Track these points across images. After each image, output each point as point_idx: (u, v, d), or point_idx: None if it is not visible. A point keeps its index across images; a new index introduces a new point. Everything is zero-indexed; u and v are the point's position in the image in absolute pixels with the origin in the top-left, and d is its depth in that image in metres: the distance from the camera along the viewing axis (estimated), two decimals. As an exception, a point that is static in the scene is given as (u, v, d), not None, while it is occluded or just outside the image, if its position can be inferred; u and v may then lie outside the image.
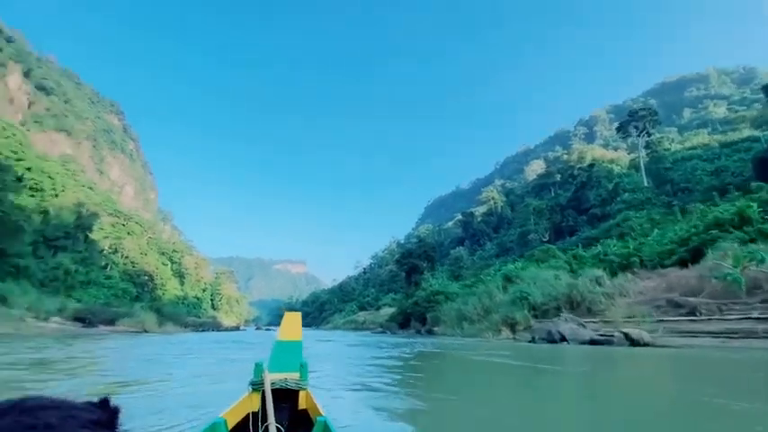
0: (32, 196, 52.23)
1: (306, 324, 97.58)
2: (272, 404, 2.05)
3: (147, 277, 75.87)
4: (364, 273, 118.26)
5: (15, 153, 54.87)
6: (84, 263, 54.92)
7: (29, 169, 52.90)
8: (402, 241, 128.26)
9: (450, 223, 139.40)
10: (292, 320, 3.20)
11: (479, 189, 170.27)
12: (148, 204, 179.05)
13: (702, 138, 77.92)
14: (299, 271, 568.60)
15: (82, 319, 31.57)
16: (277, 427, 1.87)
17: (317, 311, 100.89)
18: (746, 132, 67.07)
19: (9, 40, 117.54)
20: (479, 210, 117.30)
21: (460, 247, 74.85)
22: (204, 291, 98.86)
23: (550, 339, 14.98)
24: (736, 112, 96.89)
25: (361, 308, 75.59)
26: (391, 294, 75.35)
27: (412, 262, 46.44)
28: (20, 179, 52.51)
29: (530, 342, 15.84)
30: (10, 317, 26.30)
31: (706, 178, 54.04)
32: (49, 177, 55.55)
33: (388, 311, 56.61)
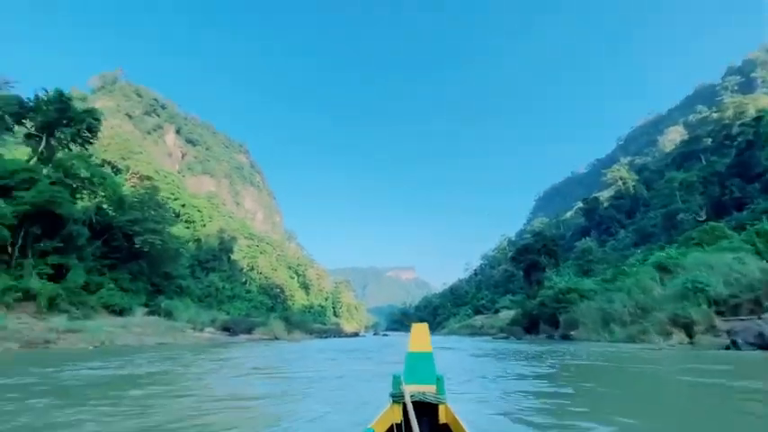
0: (187, 227, 62.86)
1: None
2: (415, 418, 2.00)
3: (278, 290, 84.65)
4: (475, 275, 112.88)
5: (173, 195, 66.82)
6: (229, 280, 63.62)
7: (183, 206, 63.93)
8: (514, 238, 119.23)
9: (568, 213, 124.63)
10: (420, 331, 3.18)
11: (599, 171, 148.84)
12: (275, 227, 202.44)
13: None
14: (408, 277, 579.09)
15: (228, 329, 35.64)
16: None
17: (431, 316, 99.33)
18: None
19: (163, 107, 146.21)
20: (605, 194, 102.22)
21: (587, 239, 65.32)
22: (326, 300, 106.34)
23: (763, 344, 10.47)
24: None
25: (477, 311, 71.43)
26: (509, 296, 69.50)
27: (530, 258, 41.50)
28: (177, 215, 63.72)
29: (727, 349, 11.43)
30: (174, 328, 30.85)
31: None
32: (198, 211, 66.31)
33: (507, 314, 51.94)
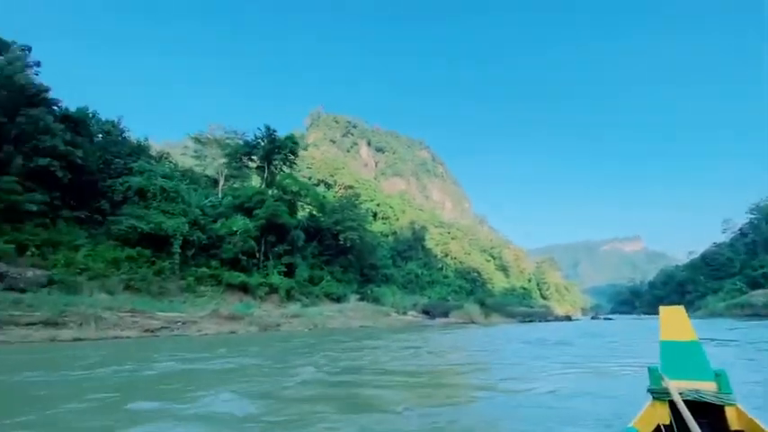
0: (384, 223, 69.62)
1: (657, 312, 74.64)
2: (693, 420, 1.70)
3: (475, 273, 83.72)
4: (742, 235, 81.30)
5: (370, 197, 75.45)
6: (426, 267, 66.83)
7: (378, 205, 71.17)
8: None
9: None
10: (675, 316, 2.69)
11: None
12: (464, 213, 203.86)
13: None
14: (634, 249, 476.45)
15: (427, 312, 36.67)
16: None
17: (675, 294, 77.37)
18: None
19: (355, 126, 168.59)
20: None
21: None
22: (529, 281, 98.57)
23: None
24: None
25: (754, 284, 50.57)
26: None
27: None
28: (375, 214, 71.47)
29: None
30: (380, 312, 33.76)
31: None
32: (391, 207, 72.53)
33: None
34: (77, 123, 23.91)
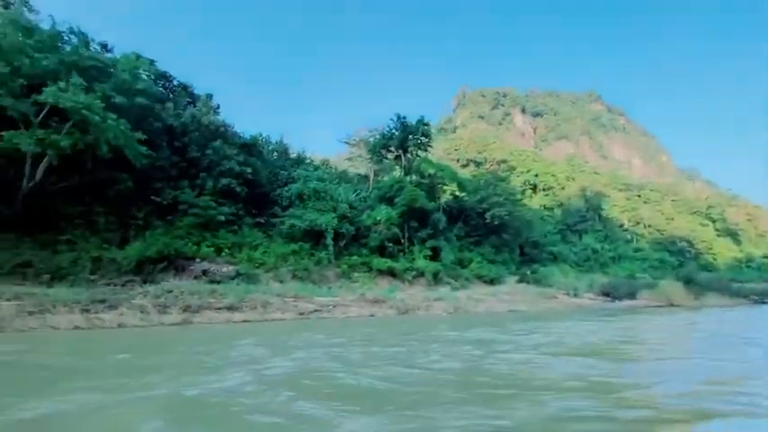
0: (546, 195, 61.58)
1: None
2: None
3: (684, 243, 65.29)
4: None
5: (527, 169, 68.21)
6: (607, 240, 55.83)
7: (536, 176, 63.47)
8: None
9: None
10: None
11: None
12: (662, 169, 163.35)
13: None
14: None
15: (607, 294, 30.35)
16: None
17: None
18: None
19: (505, 96, 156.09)
20: None
21: None
22: (778, 247, 70.51)
23: None
24: None
25: None
26: None
27: None
28: (534, 186, 64.07)
29: None
30: (544, 294, 29.78)
31: None
32: (553, 176, 63.54)
33: None
34: (250, 147, 29.55)
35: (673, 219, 69.17)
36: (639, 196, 76.94)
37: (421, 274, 28.37)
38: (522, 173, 66.01)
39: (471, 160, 76.02)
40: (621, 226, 62.70)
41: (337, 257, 26.59)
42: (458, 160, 77.48)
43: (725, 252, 69.92)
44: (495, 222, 33.99)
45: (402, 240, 30.33)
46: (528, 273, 34.23)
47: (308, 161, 37.47)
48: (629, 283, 29.67)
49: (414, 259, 29.48)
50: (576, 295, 32.67)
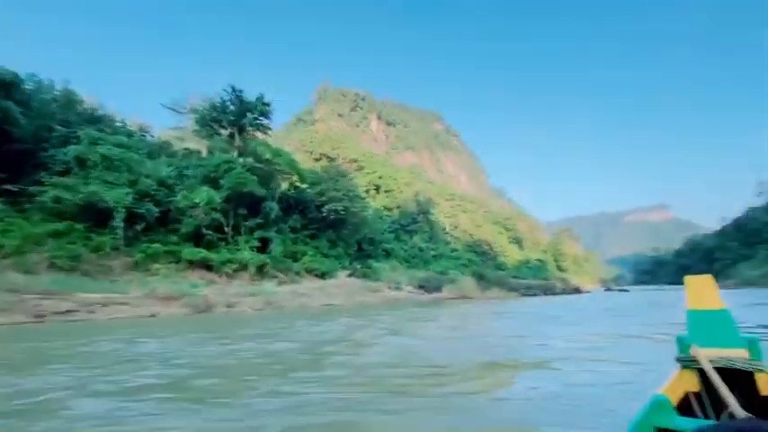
0: (387, 197, 65.95)
1: (683, 282, 68.57)
2: (724, 386, 1.69)
3: (486, 246, 79.67)
4: (781, 197, 73.40)
5: (373, 170, 71.62)
6: (432, 240, 63.24)
7: (381, 177, 67.35)
8: None
9: None
10: (702, 285, 2.57)
11: None
12: (481, 186, 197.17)
13: None
14: (660, 218, 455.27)
15: (422, 287, 33.45)
16: (747, 416, 1.48)
17: (703, 263, 71.26)
18: None
19: (363, 99, 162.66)
20: None
21: None
22: (545, 252, 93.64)
23: None
24: None
25: (795, 250, 44.72)
26: None
27: None
28: (378, 187, 67.82)
29: None
30: (369, 288, 30.70)
31: None
32: (394, 180, 68.52)
33: None
34: (7, 87, 21.12)
35: (481, 226, 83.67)
36: (460, 206, 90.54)
37: (244, 267, 25.38)
38: (369, 174, 69.05)
39: (325, 155, 75.51)
40: (444, 229, 72.14)
41: (131, 244, 21.28)
42: (311, 152, 75.94)
43: (513, 255, 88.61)
44: (332, 216, 33.58)
45: (226, 229, 26.70)
46: (359, 267, 35.00)
47: (117, 123, 29.73)
48: (438, 278, 33.47)
49: (238, 250, 26.27)
50: (398, 288, 35.10)
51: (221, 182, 26.49)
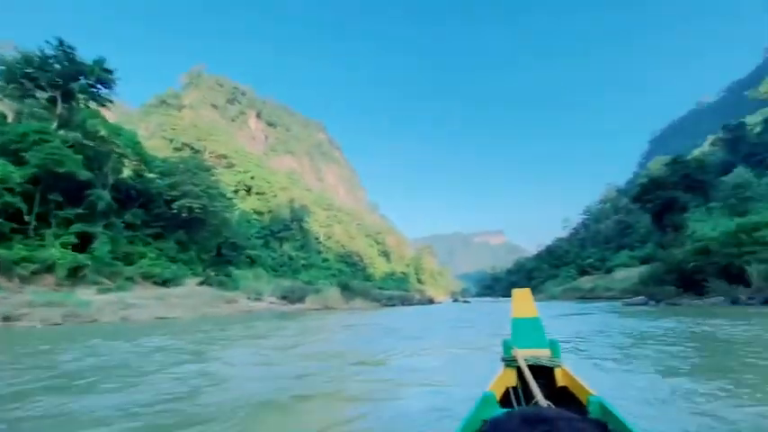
0: (259, 200, 61.76)
1: (510, 295, 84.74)
2: (533, 380, 1.96)
3: (357, 258, 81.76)
4: (576, 232, 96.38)
5: (245, 169, 66.30)
6: (303, 249, 61.53)
7: (253, 178, 62.77)
8: (623, 186, 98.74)
9: (697, 151, 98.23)
10: (523, 297, 3.12)
11: (740, 95, 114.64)
12: (358, 200, 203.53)
13: None
14: (497, 242, 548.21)
15: (285, 297, 31.70)
16: (548, 404, 1.68)
17: (525, 280, 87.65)
18: None
19: (243, 94, 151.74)
20: (756, 117, 76.70)
21: (743, 167, 47.54)
22: (408, 266, 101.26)
23: None
24: None
25: (582, 272, 58.78)
26: (625, 252, 55.23)
27: (664, 196, 29.19)
28: (249, 189, 63.00)
29: None
30: (223, 298, 27.43)
31: None
32: (268, 183, 64.74)
33: (626, 274, 39.96)
34: None
35: (354, 238, 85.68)
36: (336, 217, 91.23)
37: (48, 268, 19.65)
38: (241, 173, 63.72)
39: (188, 145, 66.55)
40: (317, 239, 71.24)
41: None
42: (172, 141, 66.11)
43: (381, 267, 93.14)
44: (185, 215, 29.20)
45: (26, 218, 20.39)
46: (213, 275, 31.17)
47: None
48: (303, 288, 32.26)
49: (41, 246, 20.25)
50: (258, 299, 32.49)
51: (27, 156, 20.27)
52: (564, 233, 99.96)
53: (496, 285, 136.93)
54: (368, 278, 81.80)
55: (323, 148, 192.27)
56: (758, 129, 71.49)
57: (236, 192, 62.25)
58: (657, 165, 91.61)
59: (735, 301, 14.24)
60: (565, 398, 2.27)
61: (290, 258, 55.54)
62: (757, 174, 52.19)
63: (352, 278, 70.96)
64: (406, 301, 43.10)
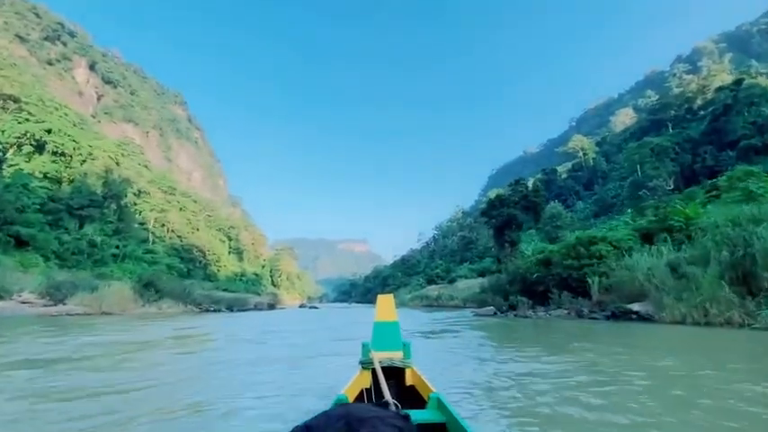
0: (55, 162, 44.94)
1: (368, 300, 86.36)
2: (384, 381, 2.01)
3: (199, 253, 68.88)
4: (428, 245, 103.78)
5: (39, 118, 47.89)
6: (117, 235, 47.18)
7: (50, 132, 45.36)
8: (468, 210, 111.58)
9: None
10: (386, 302, 3.23)
11: (552, 150, 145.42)
12: (217, 190, 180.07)
13: None
14: (361, 249, 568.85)
15: (50, 295, 21.22)
16: (394, 403, 1.61)
17: (380, 286, 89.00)
18: None
19: (72, 35, 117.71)
20: (563, 167, 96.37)
21: (555, 202, 56.85)
22: (263, 267, 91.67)
23: None
24: None
25: (430, 281, 61.50)
26: (466, 264, 59.97)
27: (505, 213, 30.93)
28: (40, 144, 45.44)
29: None
30: None
31: None
32: (74, 141, 47.84)
33: (467, 284, 41.91)
34: None
35: (198, 230, 72.36)
36: (179, 203, 75.80)
37: None
38: (30, 121, 45.57)
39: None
40: (143, 224, 56.71)
41: None
42: None
43: (230, 266, 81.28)
44: None
45: None
46: None
47: None
48: (70, 283, 21.69)
49: None
50: (6, 298, 21.17)
51: None
52: (418, 245, 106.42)
53: (354, 291, 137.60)
54: (209, 277, 69.72)
55: (179, 125, 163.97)
56: (564, 175, 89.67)
57: (17, 147, 43.97)
58: (494, 194, 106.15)
59: (580, 314, 13.27)
60: (412, 396, 2.40)
61: (93, 245, 41.37)
62: (564, 207, 63.42)
63: (188, 276, 59.03)
64: (241, 306, 35.59)
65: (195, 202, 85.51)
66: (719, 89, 58.07)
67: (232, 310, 31.25)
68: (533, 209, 32.19)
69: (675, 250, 12.24)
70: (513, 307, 18.02)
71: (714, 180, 31.34)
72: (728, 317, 7.78)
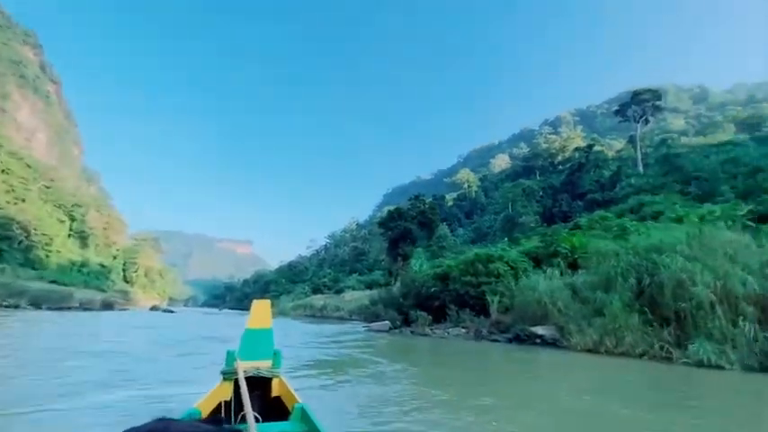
0: None
1: (243, 307, 76.97)
2: (247, 393, 1.83)
3: (21, 231, 52.27)
4: (318, 253, 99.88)
5: None
6: None
7: None
8: (362, 222, 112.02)
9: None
10: (261, 308, 2.94)
11: (442, 180, 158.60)
12: (69, 159, 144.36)
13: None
14: (244, 251, 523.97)
15: None
16: (255, 415, 1.63)
17: (261, 292, 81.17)
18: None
19: None
20: (450, 196, 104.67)
21: (443, 225, 59.95)
22: (115, 258, 74.85)
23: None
24: (693, 126, 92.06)
25: (316, 290, 57.99)
26: (355, 275, 58.39)
27: (402, 227, 30.36)
28: None
29: None
30: None
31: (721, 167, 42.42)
32: None
33: (355, 295, 40.13)
34: None
35: (24, 201, 55.31)
36: (2, 162, 56.93)
37: None
38: None
39: None
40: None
41: None
42: None
43: (66, 252, 63.93)
44: None
45: None
46: None
47: None
48: None
49: None
50: None
51: None
52: (307, 252, 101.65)
53: (229, 295, 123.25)
54: (32, 263, 53.41)
55: (25, 71, 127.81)
56: (450, 203, 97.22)
57: None
58: (386, 211, 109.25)
59: (478, 335, 12.16)
60: (278, 407, 2.22)
61: None
62: (450, 231, 67.52)
63: (2, 261, 44.37)
64: (55, 304, 25.96)
65: (29, 166, 65.66)
66: (576, 149, 70.51)
67: (40, 308, 22.71)
68: (428, 225, 32.39)
69: (570, 275, 12.05)
70: (408, 322, 16.45)
71: (576, 220, 36.24)
72: (645, 349, 7.16)
